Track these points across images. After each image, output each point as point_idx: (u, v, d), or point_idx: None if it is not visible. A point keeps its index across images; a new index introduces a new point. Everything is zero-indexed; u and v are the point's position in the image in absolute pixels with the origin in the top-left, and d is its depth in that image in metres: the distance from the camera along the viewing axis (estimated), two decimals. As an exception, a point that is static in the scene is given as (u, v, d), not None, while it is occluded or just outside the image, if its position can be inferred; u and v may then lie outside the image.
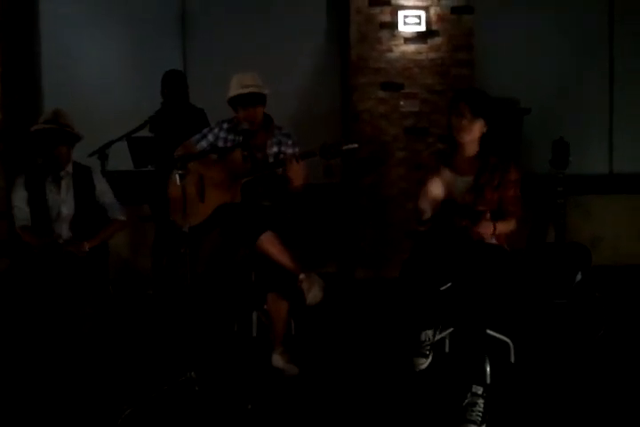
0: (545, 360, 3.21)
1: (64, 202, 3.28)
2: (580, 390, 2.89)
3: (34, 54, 5.33)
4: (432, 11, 5.01)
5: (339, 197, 5.28)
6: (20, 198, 3.29)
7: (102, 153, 4.02)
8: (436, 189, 2.81)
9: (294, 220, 3.34)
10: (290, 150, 3.29)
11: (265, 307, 3.25)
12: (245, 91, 3.18)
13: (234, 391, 2.80)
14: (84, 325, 3.13)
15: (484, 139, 2.89)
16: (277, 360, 3.15)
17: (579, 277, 3.51)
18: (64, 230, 3.28)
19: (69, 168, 3.33)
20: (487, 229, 2.72)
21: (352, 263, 5.18)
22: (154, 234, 4.55)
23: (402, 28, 4.99)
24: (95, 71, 5.30)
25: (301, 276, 3.02)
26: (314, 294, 2.99)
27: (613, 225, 5.33)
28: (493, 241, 2.88)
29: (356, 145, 3.07)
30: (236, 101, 3.23)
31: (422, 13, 4.99)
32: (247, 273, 3.27)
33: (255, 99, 3.21)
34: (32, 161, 3.33)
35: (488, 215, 2.69)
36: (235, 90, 3.21)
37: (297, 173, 3.10)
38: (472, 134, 2.85)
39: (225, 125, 3.33)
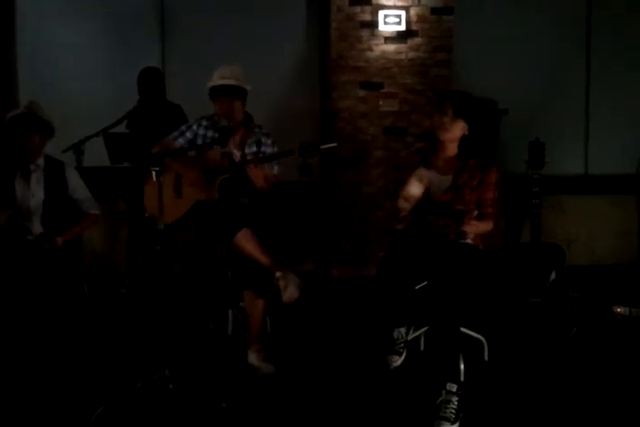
0: (518, 358, 3.24)
1: (33, 196, 3.23)
2: (552, 388, 2.92)
3: (9, 49, 5.24)
4: (412, 11, 5.03)
5: (316, 195, 5.28)
6: None
7: (78, 148, 4.00)
8: (414, 188, 2.81)
9: (271, 217, 3.33)
10: (270, 150, 3.28)
11: (241, 304, 3.24)
12: (221, 82, 3.17)
13: (208, 389, 2.78)
14: (58, 322, 3.09)
15: (464, 140, 2.92)
16: (253, 358, 3.14)
17: (553, 276, 3.55)
18: (35, 225, 3.23)
19: (40, 162, 3.28)
20: (474, 229, 2.72)
21: (329, 261, 5.18)
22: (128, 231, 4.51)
23: (382, 27, 5.00)
24: (72, 67, 5.23)
25: (278, 274, 3.01)
26: (290, 292, 2.99)
27: (588, 225, 5.40)
28: (469, 241, 2.90)
29: (335, 144, 3.03)
30: (214, 93, 3.21)
31: (402, 13, 5.00)
32: (223, 270, 3.25)
33: (231, 91, 3.18)
34: (4, 155, 3.27)
35: (475, 213, 2.70)
36: (213, 81, 3.20)
37: (256, 177, 3.10)
38: (451, 133, 2.89)
39: (204, 122, 3.31)
